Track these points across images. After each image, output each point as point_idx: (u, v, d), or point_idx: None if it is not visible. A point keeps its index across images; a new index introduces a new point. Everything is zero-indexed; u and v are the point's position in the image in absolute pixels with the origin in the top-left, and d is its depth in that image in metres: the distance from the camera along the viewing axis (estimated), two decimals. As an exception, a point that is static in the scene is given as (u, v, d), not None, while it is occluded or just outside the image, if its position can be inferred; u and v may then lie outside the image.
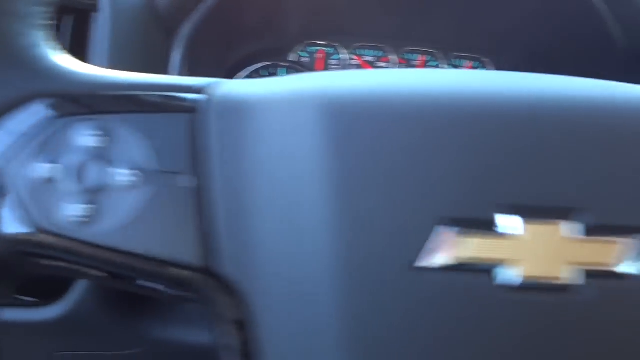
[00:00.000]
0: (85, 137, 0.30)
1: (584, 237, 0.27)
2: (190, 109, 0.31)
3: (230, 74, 0.89)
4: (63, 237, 0.29)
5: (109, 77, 0.32)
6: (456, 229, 0.27)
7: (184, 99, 0.32)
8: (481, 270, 0.27)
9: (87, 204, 0.30)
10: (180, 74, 0.72)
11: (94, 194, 0.30)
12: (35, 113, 0.30)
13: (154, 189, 0.30)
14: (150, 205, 0.30)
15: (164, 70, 0.72)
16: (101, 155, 0.30)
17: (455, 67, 0.91)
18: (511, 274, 0.27)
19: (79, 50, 0.70)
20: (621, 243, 0.27)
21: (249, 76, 0.89)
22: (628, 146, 0.28)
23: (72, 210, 0.29)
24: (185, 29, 0.72)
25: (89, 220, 0.29)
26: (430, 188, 0.27)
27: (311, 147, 0.28)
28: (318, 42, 0.90)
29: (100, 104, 0.31)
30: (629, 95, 0.30)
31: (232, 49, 0.85)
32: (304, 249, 0.28)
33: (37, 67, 0.30)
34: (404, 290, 0.27)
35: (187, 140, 0.31)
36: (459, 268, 0.27)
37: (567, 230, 0.27)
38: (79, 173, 0.30)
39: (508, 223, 0.27)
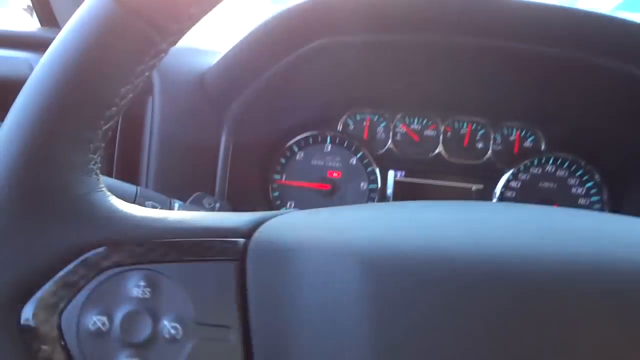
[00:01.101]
0: (134, 288, 0.31)
1: None
2: (234, 256, 0.32)
3: (280, 143, 0.92)
4: None
5: (158, 220, 0.33)
6: None
7: (229, 247, 0.32)
8: None
9: (134, 357, 0.30)
10: (227, 150, 0.76)
11: (143, 348, 0.31)
12: (87, 263, 0.31)
13: (196, 342, 0.30)
14: (193, 359, 0.30)
15: (214, 149, 0.76)
16: (148, 307, 0.31)
17: (504, 135, 0.90)
18: None
19: (135, 133, 0.76)
20: None
21: (298, 144, 0.92)
22: None
23: None
24: (234, 108, 0.76)
25: None
26: (463, 354, 0.27)
27: (348, 302, 0.28)
28: (364, 111, 0.92)
29: (147, 252, 0.32)
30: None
31: (279, 122, 0.89)
32: None
33: (92, 217, 0.31)
34: None
35: (231, 290, 0.31)
36: None
37: None
38: (128, 326, 0.31)
39: None
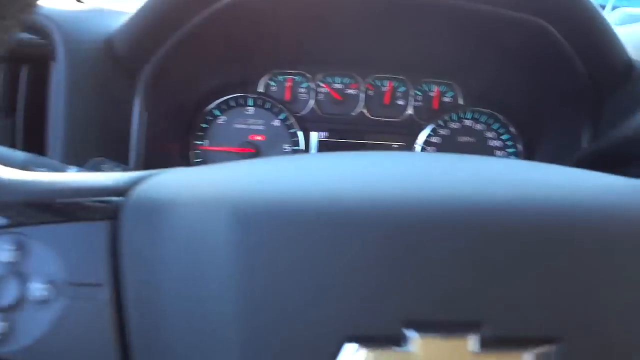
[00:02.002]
0: (1, 252, 0.30)
1: (489, 351, 0.28)
2: (109, 216, 0.31)
3: (200, 107, 0.89)
4: None
5: (28, 182, 0.32)
6: (364, 345, 0.27)
7: (103, 206, 0.32)
8: None
9: (1, 321, 0.30)
10: (141, 116, 0.73)
11: (8, 311, 0.30)
12: None
13: (67, 302, 0.30)
14: (64, 319, 0.30)
15: (127, 114, 0.73)
16: (16, 271, 0.30)
17: (424, 92, 0.91)
18: None
19: (39, 99, 0.71)
20: (525, 354, 0.28)
21: (219, 107, 0.90)
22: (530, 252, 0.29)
23: None
24: (147, 71, 0.73)
25: (2, 338, 0.30)
26: (337, 304, 0.28)
27: (218, 255, 0.29)
28: (285, 71, 0.90)
29: (17, 214, 0.31)
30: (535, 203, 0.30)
31: (198, 84, 0.86)
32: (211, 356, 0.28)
33: None
34: None
35: (106, 250, 0.30)
36: None
37: (472, 344, 0.28)
38: None
39: (414, 339, 0.28)
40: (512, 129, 0.90)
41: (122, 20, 0.70)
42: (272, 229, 0.28)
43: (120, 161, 0.72)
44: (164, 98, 0.78)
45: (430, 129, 0.90)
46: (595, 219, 0.29)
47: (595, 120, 0.74)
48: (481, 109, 0.90)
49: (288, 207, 0.29)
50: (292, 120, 0.90)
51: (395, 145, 0.92)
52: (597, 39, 0.68)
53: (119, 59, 0.71)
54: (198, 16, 0.68)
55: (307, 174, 0.32)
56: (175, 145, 0.88)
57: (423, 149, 0.91)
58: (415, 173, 0.32)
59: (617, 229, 0.29)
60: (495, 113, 0.90)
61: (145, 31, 0.70)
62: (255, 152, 0.90)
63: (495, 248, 0.28)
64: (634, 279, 0.29)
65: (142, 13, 0.68)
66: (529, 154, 0.90)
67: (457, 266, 0.28)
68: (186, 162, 0.90)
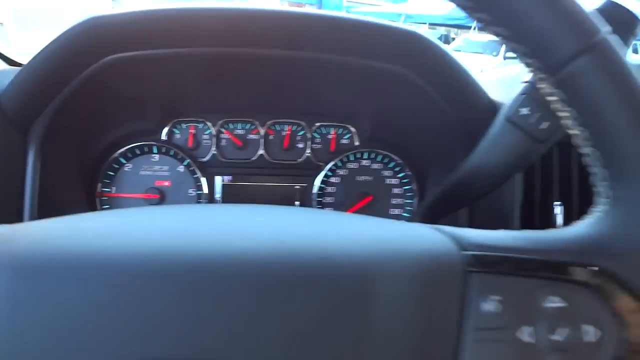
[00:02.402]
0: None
1: None
2: None
3: (105, 155, 0.93)
4: None
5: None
6: None
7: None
8: None
9: None
10: (35, 170, 0.76)
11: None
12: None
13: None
14: None
15: (20, 166, 0.76)
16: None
17: (322, 134, 0.96)
18: None
19: None
20: None
21: (124, 155, 0.93)
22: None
23: None
24: (38, 127, 0.76)
25: None
26: (85, 345, 0.31)
27: None
28: (188, 119, 0.94)
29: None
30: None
31: (99, 135, 0.89)
32: None
33: None
34: None
35: None
36: None
37: None
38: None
39: None
40: (406, 168, 0.95)
41: (8, 79, 0.74)
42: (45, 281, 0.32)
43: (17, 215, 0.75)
44: (63, 150, 0.81)
45: (328, 169, 0.95)
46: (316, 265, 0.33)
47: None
48: (377, 150, 0.95)
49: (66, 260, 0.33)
50: (194, 166, 0.94)
51: (297, 187, 0.96)
52: (455, 83, 0.74)
53: (9, 117, 0.74)
54: (77, 78, 0.72)
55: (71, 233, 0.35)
56: (81, 194, 0.91)
57: (322, 189, 0.95)
58: (160, 227, 0.36)
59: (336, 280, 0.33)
60: (389, 153, 0.95)
61: (30, 90, 0.73)
62: (160, 197, 0.93)
63: (221, 295, 0.32)
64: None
65: (25, 73, 0.72)
66: (422, 191, 0.94)
67: (189, 311, 0.31)
68: (93, 210, 0.93)
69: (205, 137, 0.95)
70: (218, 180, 0.95)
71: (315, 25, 0.71)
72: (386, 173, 0.96)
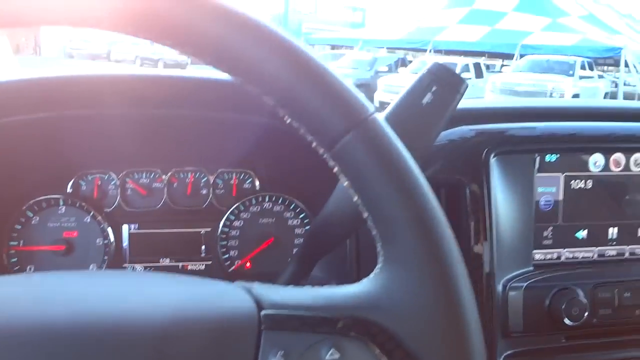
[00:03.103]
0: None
1: None
2: None
3: (12, 209, 0.95)
4: None
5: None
6: None
7: None
8: None
9: None
10: None
11: None
12: None
13: None
14: None
15: None
16: None
17: (224, 180, 1.01)
18: None
19: None
20: None
21: (31, 209, 0.96)
22: None
23: None
24: None
25: None
26: None
27: None
28: (93, 171, 0.98)
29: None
30: None
31: (4, 189, 0.92)
32: None
33: None
34: None
35: None
36: None
37: None
38: None
39: None
40: (306, 208, 1.00)
41: None
42: None
43: None
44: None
45: (230, 213, 0.99)
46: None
47: None
48: (277, 193, 1.00)
49: None
50: (101, 216, 0.97)
51: (202, 232, 1.00)
52: None
53: None
54: None
55: None
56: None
57: (226, 233, 0.99)
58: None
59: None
60: (288, 196, 1.00)
61: None
62: (67, 248, 0.96)
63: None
64: None
65: None
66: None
67: None
68: (0, 264, 0.95)
69: (110, 187, 0.99)
70: (125, 229, 0.98)
71: (164, 84, 0.77)
72: (287, 214, 1.01)
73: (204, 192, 1.00)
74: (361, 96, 0.42)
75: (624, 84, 14.44)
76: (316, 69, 0.40)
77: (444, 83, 0.62)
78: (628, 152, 0.86)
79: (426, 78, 0.63)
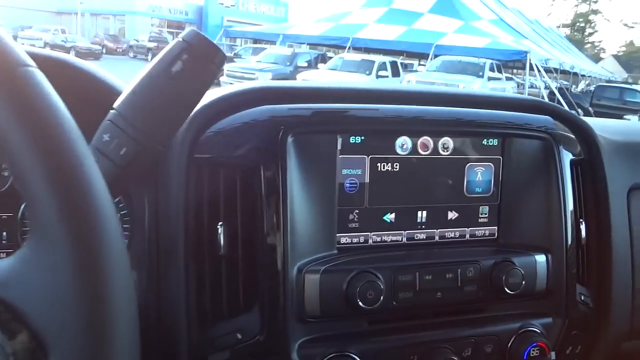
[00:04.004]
0: None
1: None
2: None
3: None
4: None
5: None
6: None
7: None
8: None
9: None
10: None
11: None
12: None
13: None
14: None
15: None
16: None
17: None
18: None
19: None
20: None
21: None
22: None
23: None
24: None
25: None
26: None
27: None
28: None
29: None
30: None
31: None
32: None
33: None
34: None
35: None
36: None
37: None
38: None
39: None
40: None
41: None
42: None
43: None
44: None
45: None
46: None
47: None
48: None
49: None
50: None
51: (4, 217, 0.91)
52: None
53: None
54: None
55: None
56: None
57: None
58: None
59: None
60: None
61: None
62: None
63: None
64: None
65: None
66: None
67: None
68: None
69: None
70: None
71: None
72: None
73: (6, 174, 0.91)
74: (18, 48, 0.37)
75: (530, 86, 15.26)
76: None
77: (197, 52, 0.58)
78: (435, 135, 0.86)
79: (178, 46, 0.58)
